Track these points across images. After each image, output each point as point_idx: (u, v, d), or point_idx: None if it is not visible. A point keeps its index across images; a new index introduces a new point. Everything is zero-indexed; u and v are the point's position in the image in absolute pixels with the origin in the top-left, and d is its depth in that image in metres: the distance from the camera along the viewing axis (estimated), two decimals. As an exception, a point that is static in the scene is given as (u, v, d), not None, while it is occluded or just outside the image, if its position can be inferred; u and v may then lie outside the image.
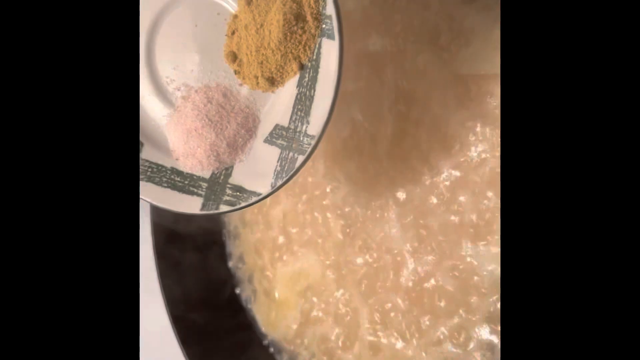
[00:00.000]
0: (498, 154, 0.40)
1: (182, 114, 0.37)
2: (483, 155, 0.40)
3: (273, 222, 0.50)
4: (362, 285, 0.45)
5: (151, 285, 0.47)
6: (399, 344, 0.43)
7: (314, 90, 0.33)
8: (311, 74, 0.33)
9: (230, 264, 0.53)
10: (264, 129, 0.36)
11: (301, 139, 0.34)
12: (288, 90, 0.35)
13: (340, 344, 0.46)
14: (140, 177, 0.38)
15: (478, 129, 0.40)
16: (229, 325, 0.51)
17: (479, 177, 0.40)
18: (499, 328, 0.39)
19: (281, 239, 0.49)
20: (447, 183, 0.42)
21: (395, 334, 0.44)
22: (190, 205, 0.37)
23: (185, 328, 0.47)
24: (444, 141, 0.42)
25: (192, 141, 0.36)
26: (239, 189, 0.36)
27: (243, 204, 0.36)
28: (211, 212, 0.37)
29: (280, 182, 0.35)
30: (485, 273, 0.40)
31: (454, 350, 0.41)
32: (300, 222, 0.48)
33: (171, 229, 0.49)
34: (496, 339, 0.40)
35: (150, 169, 0.38)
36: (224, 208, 0.37)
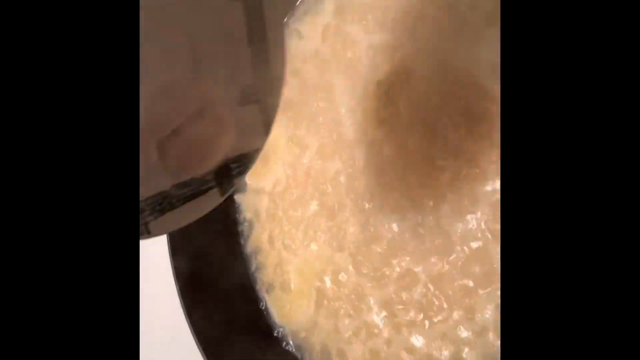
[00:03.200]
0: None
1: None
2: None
3: (286, 210, 0.50)
4: (378, 276, 0.46)
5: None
6: (413, 336, 0.44)
7: None
8: None
9: (245, 254, 0.54)
10: None
11: None
12: None
13: (352, 335, 0.47)
14: (155, 215, 0.39)
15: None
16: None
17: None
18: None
19: (295, 228, 0.50)
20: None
21: (410, 326, 0.44)
22: (212, 200, 0.40)
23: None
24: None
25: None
26: (239, 157, 0.39)
27: (253, 163, 0.39)
28: (231, 190, 0.40)
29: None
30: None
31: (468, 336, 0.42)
32: (315, 210, 0.49)
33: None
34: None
35: (156, 203, 0.39)
36: (238, 180, 0.40)
